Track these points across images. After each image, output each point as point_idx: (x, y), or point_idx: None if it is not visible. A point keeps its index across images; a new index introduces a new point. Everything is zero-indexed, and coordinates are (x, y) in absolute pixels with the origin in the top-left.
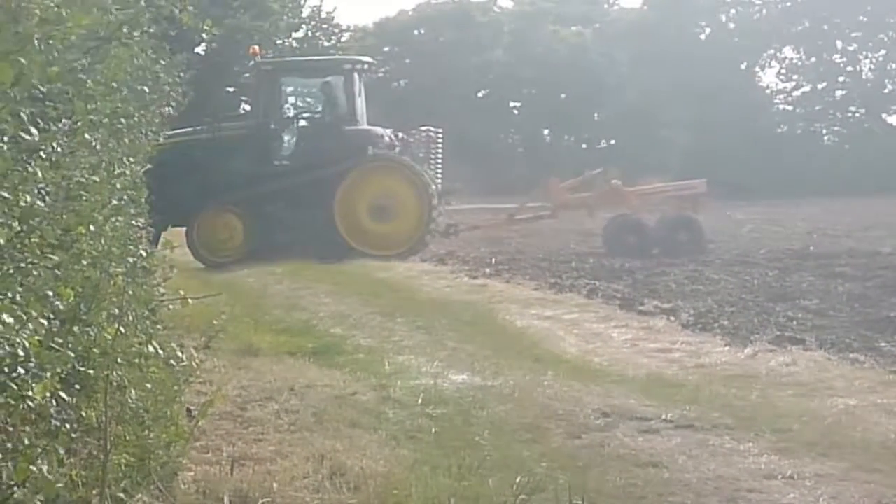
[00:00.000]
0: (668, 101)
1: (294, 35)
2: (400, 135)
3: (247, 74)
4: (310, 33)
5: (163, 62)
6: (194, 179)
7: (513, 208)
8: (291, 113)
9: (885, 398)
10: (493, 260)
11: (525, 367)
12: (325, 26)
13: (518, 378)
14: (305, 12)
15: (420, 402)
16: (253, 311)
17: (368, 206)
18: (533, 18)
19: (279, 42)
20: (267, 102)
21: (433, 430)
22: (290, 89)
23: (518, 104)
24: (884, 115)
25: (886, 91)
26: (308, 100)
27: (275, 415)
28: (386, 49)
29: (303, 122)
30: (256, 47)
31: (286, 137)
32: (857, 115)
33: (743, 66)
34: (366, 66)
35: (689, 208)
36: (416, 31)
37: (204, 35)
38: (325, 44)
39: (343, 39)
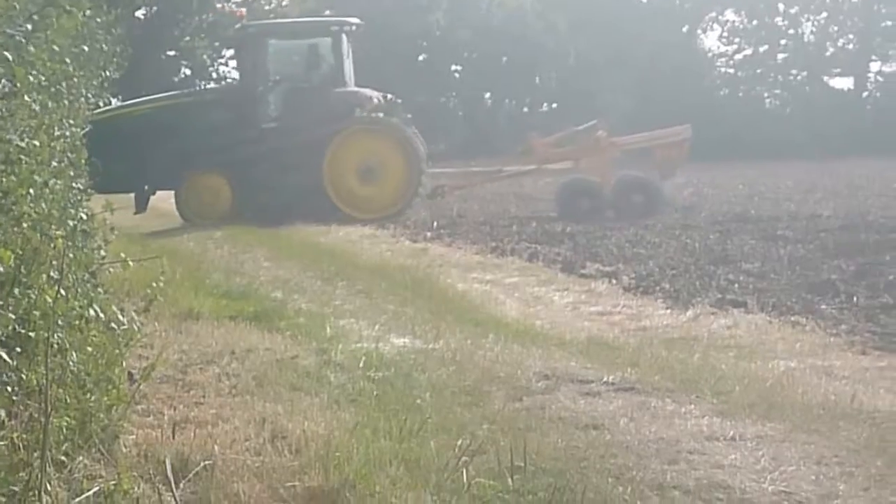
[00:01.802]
0: (610, 64)
1: None
2: (389, 97)
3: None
4: None
5: (99, 20)
6: (181, 142)
7: (496, 168)
8: (278, 75)
9: (825, 360)
10: (435, 224)
11: (466, 331)
12: None
13: (459, 341)
14: None
15: (361, 365)
16: (194, 275)
17: (357, 169)
18: None
19: (219, 5)
20: (253, 65)
21: (374, 394)
22: (276, 52)
23: (458, 68)
24: (825, 78)
25: (828, 54)
26: (295, 62)
27: (216, 378)
28: (326, 13)
29: (290, 85)
30: (243, 10)
31: (273, 100)
32: (798, 78)
33: (684, 30)
34: (353, 28)
35: (675, 156)
36: None
37: None
38: (266, 7)
39: (284, 3)
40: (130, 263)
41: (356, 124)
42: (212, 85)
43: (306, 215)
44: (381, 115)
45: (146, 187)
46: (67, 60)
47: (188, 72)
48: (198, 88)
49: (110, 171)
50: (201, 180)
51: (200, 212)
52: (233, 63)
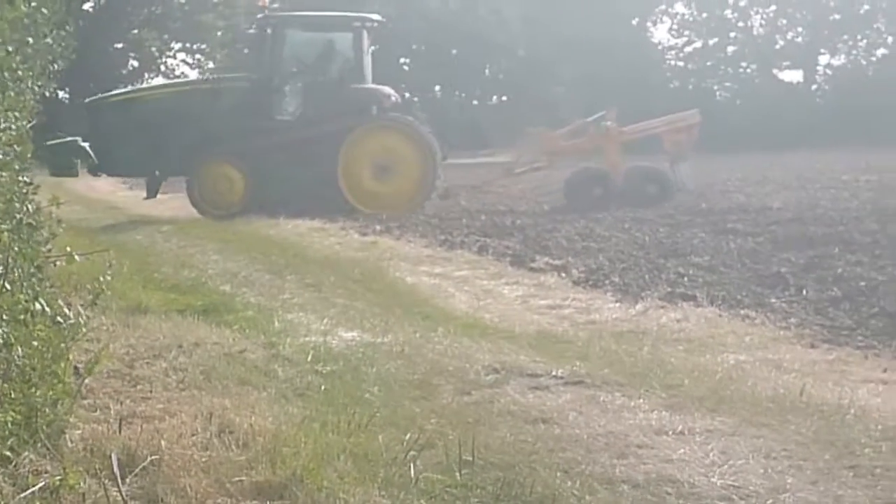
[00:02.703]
0: (560, 57)
1: None
2: (406, 95)
3: (252, 27)
4: None
5: (45, 11)
6: (195, 130)
7: (508, 163)
8: (296, 68)
9: (775, 353)
10: (384, 216)
11: (415, 324)
12: None
13: (408, 335)
14: None
15: (309, 359)
16: (141, 268)
17: (372, 166)
18: None
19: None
20: (272, 56)
21: (322, 388)
22: (296, 43)
23: (408, 60)
24: (775, 71)
25: (777, 47)
26: (314, 55)
27: (163, 373)
28: (276, 5)
29: (308, 78)
30: (266, 0)
31: (290, 92)
32: (748, 70)
33: (634, 22)
34: (375, 24)
35: (684, 141)
36: None
37: None
38: (214, 0)
39: None
40: (77, 258)
41: (373, 121)
42: (231, 74)
43: (319, 209)
44: (397, 113)
45: (157, 173)
46: (10, 49)
47: (136, 64)
48: (215, 76)
49: (122, 154)
50: (215, 169)
51: (213, 201)
52: (181, 56)
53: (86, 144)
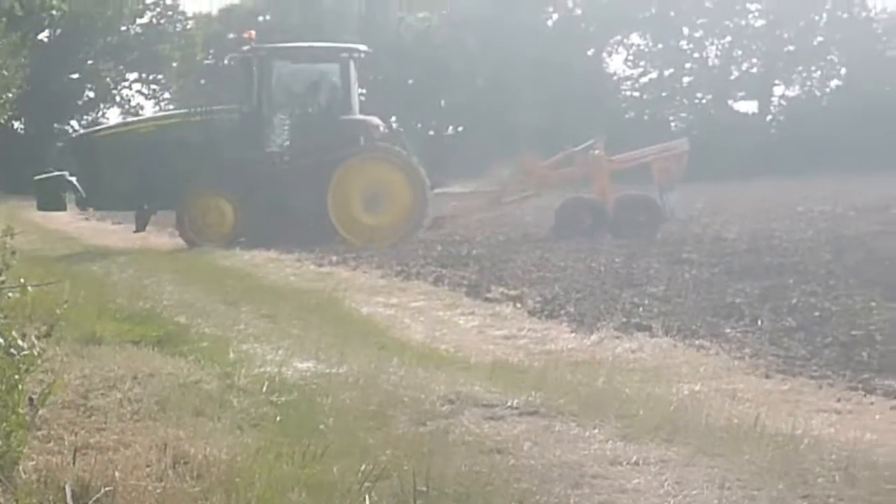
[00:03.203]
0: (517, 87)
1: (138, 21)
2: (394, 125)
3: (234, 55)
4: (154, 20)
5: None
6: (184, 163)
7: (496, 191)
8: (285, 99)
9: (729, 383)
10: (340, 248)
11: (370, 355)
12: (169, 13)
13: (363, 365)
14: None
15: (264, 389)
16: (97, 298)
17: (361, 197)
18: (381, 4)
19: (123, 29)
20: (260, 88)
21: (277, 418)
22: (284, 75)
23: (364, 90)
24: (730, 102)
25: (732, 78)
26: (303, 87)
27: (118, 403)
28: (231, 36)
29: (297, 110)
30: (252, 32)
31: (279, 124)
32: (703, 101)
33: (590, 53)
34: (361, 55)
35: (673, 169)
36: (261, 18)
37: (53, 12)
38: (170, 30)
39: (188, 26)
40: (31, 288)
41: (362, 153)
42: (219, 106)
43: (309, 241)
44: (386, 144)
45: (146, 206)
46: None
47: (91, 94)
48: (204, 108)
49: (110, 188)
50: (205, 201)
51: (203, 233)
52: (137, 86)
53: (73, 179)
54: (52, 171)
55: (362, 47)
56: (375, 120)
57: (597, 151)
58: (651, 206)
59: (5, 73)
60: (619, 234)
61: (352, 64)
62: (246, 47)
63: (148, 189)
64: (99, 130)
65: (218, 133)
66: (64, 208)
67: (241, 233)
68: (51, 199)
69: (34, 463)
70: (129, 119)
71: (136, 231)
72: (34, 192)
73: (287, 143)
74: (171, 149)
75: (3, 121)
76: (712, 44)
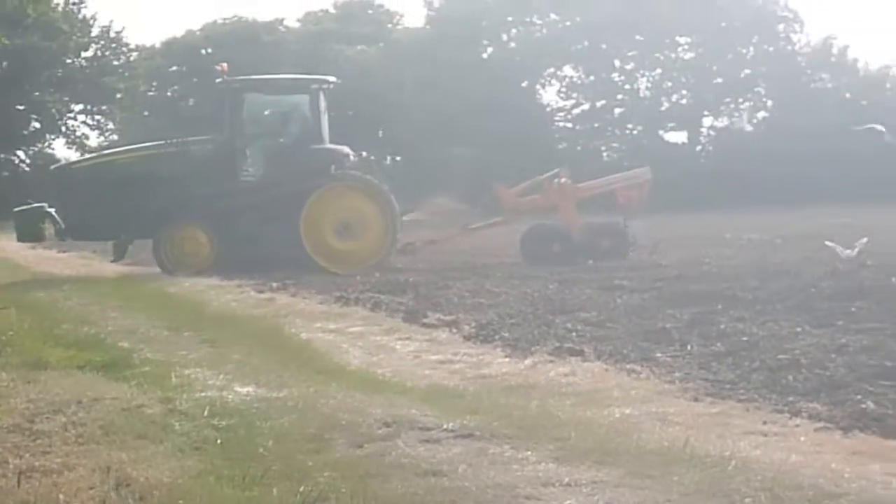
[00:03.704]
0: (454, 118)
1: (84, 54)
2: (364, 154)
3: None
4: (99, 53)
5: None
6: (161, 193)
7: (465, 220)
8: (257, 130)
9: (660, 407)
10: (279, 274)
11: (309, 379)
12: (113, 45)
13: (302, 390)
14: (94, 32)
15: (206, 413)
16: (42, 325)
17: (334, 224)
18: (318, 37)
19: (69, 61)
20: (233, 119)
21: (218, 441)
22: (256, 106)
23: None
24: (660, 132)
25: (662, 109)
26: (274, 117)
27: (63, 427)
28: (173, 68)
29: (269, 140)
30: (224, 64)
31: (252, 154)
32: (634, 132)
33: (524, 85)
34: (331, 86)
35: (636, 197)
36: (203, 51)
37: None
38: (114, 63)
39: (132, 59)
40: None
41: (333, 181)
42: (194, 137)
43: (283, 268)
44: (357, 172)
45: (123, 236)
46: None
47: (38, 125)
48: (179, 140)
49: (88, 219)
50: (181, 231)
51: (180, 262)
52: (82, 118)
53: (52, 210)
54: (31, 203)
55: (331, 78)
56: (346, 149)
57: (563, 179)
58: (617, 232)
59: None
60: (588, 259)
61: (321, 95)
62: (218, 80)
63: (125, 219)
64: (77, 162)
65: (193, 164)
66: (43, 239)
67: (217, 261)
68: (30, 230)
69: None
70: (106, 150)
71: (114, 261)
72: (14, 224)
73: (260, 172)
74: (147, 179)
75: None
76: (643, 76)
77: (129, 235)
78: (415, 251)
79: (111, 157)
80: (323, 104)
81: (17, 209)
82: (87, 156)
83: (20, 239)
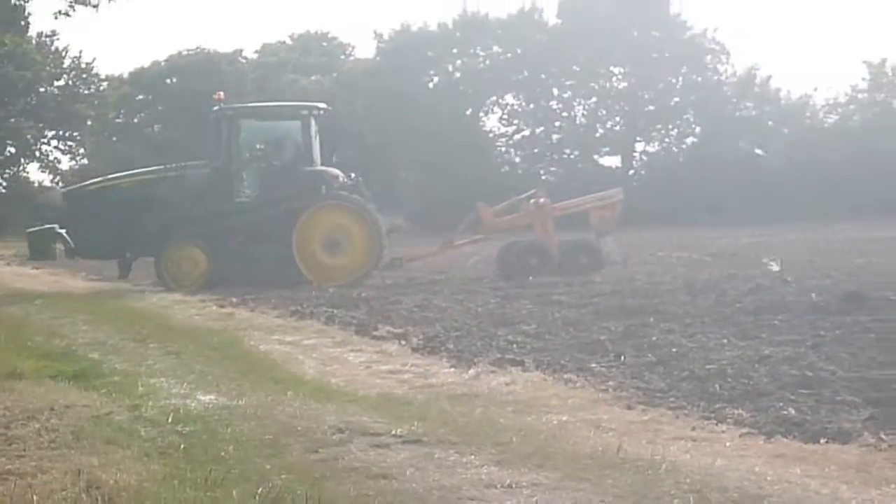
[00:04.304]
0: (403, 144)
1: (56, 83)
2: (352, 175)
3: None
4: (70, 82)
5: None
6: (162, 215)
7: (448, 236)
8: (252, 154)
9: (595, 414)
10: (240, 290)
11: (267, 388)
12: (84, 76)
13: (260, 398)
14: (66, 62)
15: (170, 420)
16: (16, 337)
17: (322, 241)
18: (275, 68)
19: (42, 90)
20: (229, 144)
21: (182, 447)
22: (250, 132)
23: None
24: (595, 157)
25: (598, 135)
26: (267, 142)
27: (36, 433)
28: (140, 97)
29: (262, 163)
30: (221, 93)
31: (247, 177)
32: (571, 156)
33: (468, 112)
34: (321, 112)
35: (609, 217)
36: (168, 80)
37: None
38: (85, 91)
39: (101, 88)
40: None
41: (323, 201)
42: (192, 161)
43: (276, 283)
44: (345, 192)
45: (128, 255)
46: None
47: (13, 150)
48: (178, 164)
49: (95, 238)
50: (180, 251)
51: (178, 279)
52: (55, 143)
53: (63, 231)
54: (42, 225)
55: (322, 105)
56: (335, 171)
57: (542, 199)
58: (593, 250)
59: None
60: (564, 275)
61: (312, 120)
62: (215, 107)
63: (129, 239)
64: (85, 185)
65: (191, 186)
66: (54, 258)
67: (215, 277)
68: (41, 250)
69: None
70: (111, 175)
71: (120, 278)
72: (27, 243)
73: (255, 194)
74: (148, 202)
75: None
76: (579, 104)
77: (133, 254)
78: (401, 265)
79: (115, 181)
80: (314, 129)
81: (29, 230)
82: (94, 180)
83: (33, 257)
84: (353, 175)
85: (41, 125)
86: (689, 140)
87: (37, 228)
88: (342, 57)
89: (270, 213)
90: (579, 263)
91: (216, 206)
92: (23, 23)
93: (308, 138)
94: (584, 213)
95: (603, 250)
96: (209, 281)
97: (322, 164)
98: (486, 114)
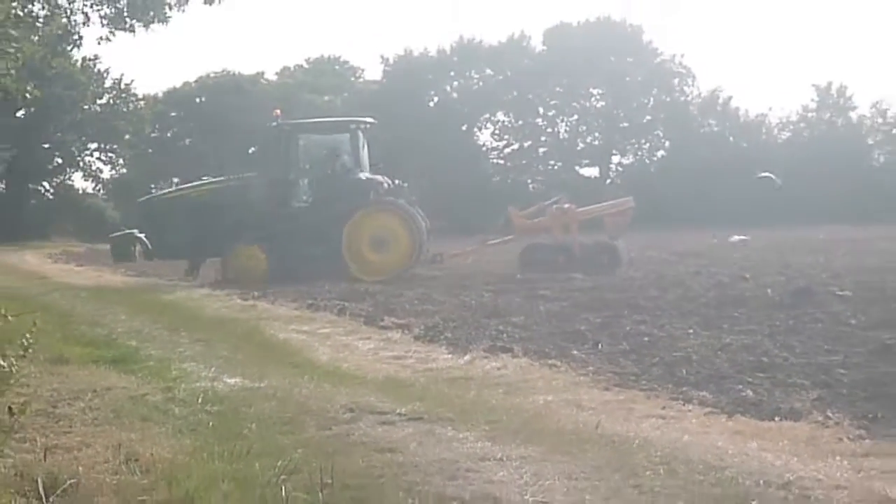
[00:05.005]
0: (406, 156)
1: (98, 102)
2: (397, 182)
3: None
4: (111, 101)
5: None
6: (227, 220)
7: (484, 237)
8: (307, 164)
9: (576, 395)
10: (262, 285)
11: (285, 372)
12: (123, 95)
13: (279, 381)
14: (108, 83)
15: (199, 400)
16: (64, 327)
17: (369, 240)
18: (293, 88)
19: (86, 107)
20: (287, 156)
21: (210, 424)
22: (305, 145)
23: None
24: (577, 168)
25: (579, 148)
26: (321, 153)
27: (81, 411)
28: (173, 114)
29: (317, 172)
30: (278, 110)
31: (303, 185)
32: (555, 167)
33: (464, 128)
34: (368, 125)
35: (621, 222)
36: (197, 99)
37: (27, 95)
38: (124, 109)
39: (139, 106)
40: (10, 318)
41: (370, 205)
42: (250, 173)
43: (327, 278)
44: (390, 197)
45: (198, 256)
46: None
47: (60, 161)
48: (240, 175)
49: (170, 241)
50: (243, 251)
51: (242, 276)
52: (97, 154)
53: (142, 235)
54: (124, 230)
55: (369, 119)
56: (380, 178)
57: (567, 205)
58: (611, 250)
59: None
60: (587, 272)
61: (360, 133)
62: (274, 123)
63: (199, 241)
64: (161, 195)
65: (253, 194)
66: (134, 259)
67: (274, 274)
68: (123, 252)
69: (12, 460)
70: (183, 185)
71: (188, 275)
72: (109, 247)
73: (309, 199)
74: (215, 208)
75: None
76: (562, 120)
77: (203, 255)
78: (441, 260)
79: (186, 191)
80: (362, 140)
81: (112, 235)
82: (167, 190)
83: (115, 260)
84: (397, 181)
85: (84, 139)
86: (660, 153)
87: (118, 234)
88: (352, 79)
89: (323, 216)
90: (601, 262)
91: (275, 211)
92: (69, 47)
93: (356, 149)
94: (599, 218)
95: (621, 251)
96: (268, 277)
97: (370, 173)
98: (480, 129)
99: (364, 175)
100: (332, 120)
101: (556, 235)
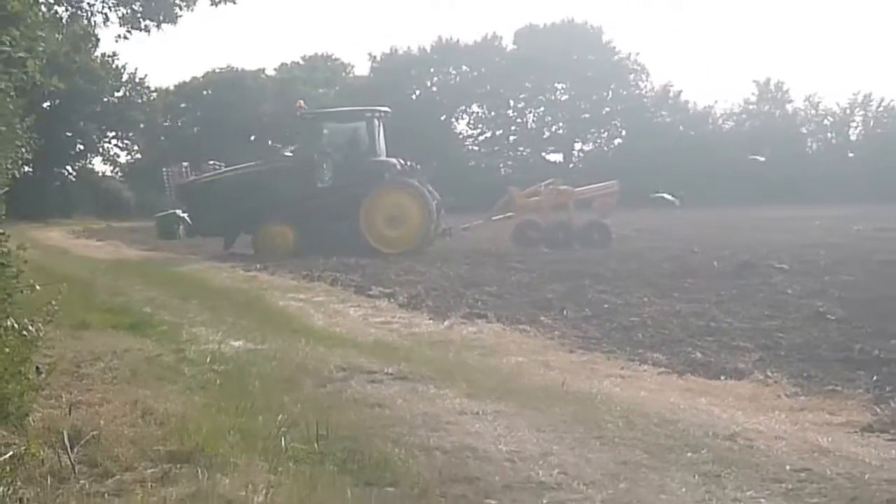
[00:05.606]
0: (391, 143)
1: (116, 94)
2: (409, 163)
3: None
4: (127, 93)
5: (11, 107)
6: (257, 199)
7: (489, 213)
8: (329, 149)
9: (544, 357)
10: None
11: (284, 336)
12: (138, 88)
13: (279, 343)
14: (124, 77)
15: (208, 361)
16: (86, 296)
17: (384, 217)
18: (289, 82)
19: (105, 99)
20: (310, 142)
21: (218, 382)
22: (328, 132)
23: (280, 145)
24: (543, 154)
25: (545, 136)
26: (341, 139)
27: (101, 371)
28: (183, 105)
29: (338, 156)
30: (302, 101)
31: (325, 167)
32: (524, 153)
33: (443, 118)
34: (384, 114)
35: (608, 202)
36: (204, 92)
37: (53, 88)
38: (139, 101)
39: (152, 98)
40: (38, 287)
41: (385, 185)
42: (287, 152)
43: (348, 251)
44: (403, 177)
45: (233, 232)
46: None
47: (81, 147)
48: (269, 159)
49: (207, 219)
50: (272, 228)
51: (272, 250)
52: (115, 142)
53: (184, 215)
54: (168, 211)
55: (384, 108)
56: (394, 160)
57: (563, 186)
58: (602, 228)
59: (19, 132)
60: (584, 246)
61: (376, 121)
62: (298, 112)
63: (234, 219)
64: (200, 178)
65: (281, 176)
66: (177, 237)
67: (300, 248)
68: (167, 230)
69: (40, 415)
70: (220, 169)
71: (225, 249)
72: (155, 225)
73: (331, 180)
74: (248, 190)
75: (17, 174)
76: (531, 112)
77: (237, 231)
78: (451, 234)
79: (222, 174)
80: (377, 127)
81: (157, 214)
82: (206, 174)
83: (160, 237)
84: (410, 163)
85: (104, 127)
86: (617, 141)
87: (163, 214)
88: (343, 74)
89: (343, 196)
90: (593, 239)
91: (301, 192)
92: (90, 45)
93: (373, 135)
94: (589, 199)
95: (609, 227)
96: (297, 251)
97: (386, 156)
98: (457, 119)
99: (379, 158)
100: (350, 109)
101: (548, 214)
